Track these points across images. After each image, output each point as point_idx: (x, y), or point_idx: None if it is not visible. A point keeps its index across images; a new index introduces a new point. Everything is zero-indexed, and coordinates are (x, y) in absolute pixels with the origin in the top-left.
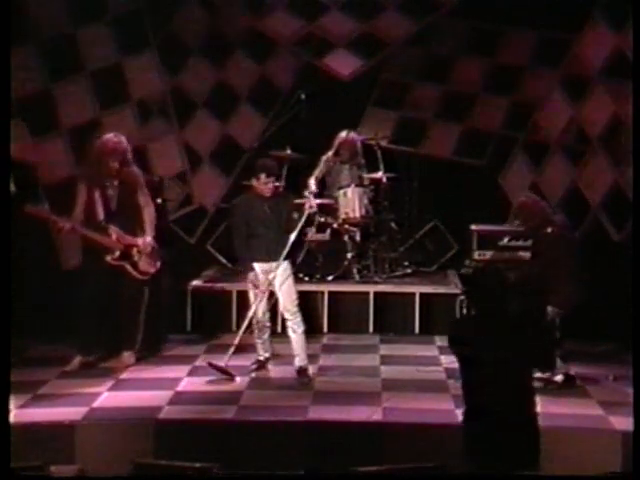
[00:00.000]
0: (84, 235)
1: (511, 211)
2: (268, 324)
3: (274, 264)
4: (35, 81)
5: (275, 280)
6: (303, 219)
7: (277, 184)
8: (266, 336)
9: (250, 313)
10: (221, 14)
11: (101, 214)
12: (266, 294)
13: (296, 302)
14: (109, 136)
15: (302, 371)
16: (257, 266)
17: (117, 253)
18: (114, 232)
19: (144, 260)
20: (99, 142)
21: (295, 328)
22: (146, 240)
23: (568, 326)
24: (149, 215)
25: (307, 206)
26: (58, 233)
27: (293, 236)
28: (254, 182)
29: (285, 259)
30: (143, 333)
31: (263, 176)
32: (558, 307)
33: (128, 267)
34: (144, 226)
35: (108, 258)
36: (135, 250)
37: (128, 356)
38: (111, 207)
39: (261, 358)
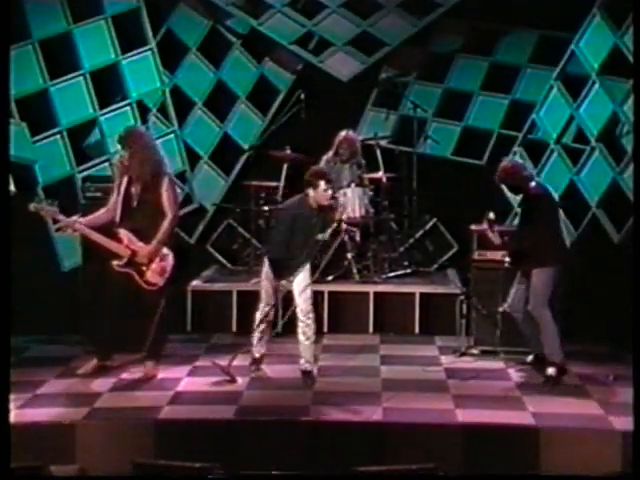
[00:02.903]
0: (89, 237)
1: (495, 177)
2: (271, 319)
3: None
4: (35, 81)
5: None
6: (333, 226)
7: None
8: (267, 332)
9: (261, 309)
10: (221, 13)
11: (118, 215)
12: (280, 291)
13: (310, 301)
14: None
15: (307, 373)
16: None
17: (124, 259)
18: (125, 236)
19: (152, 270)
20: None
21: (306, 331)
22: (146, 249)
23: (569, 326)
24: (167, 223)
25: (338, 214)
26: (58, 231)
27: (320, 238)
28: (310, 192)
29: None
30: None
31: (323, 184)
32: (553, 265)
33: (135, 275)
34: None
35: (114, 263)
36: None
37: (152, 365)
38: (132, 204)
39: (257, 355)
